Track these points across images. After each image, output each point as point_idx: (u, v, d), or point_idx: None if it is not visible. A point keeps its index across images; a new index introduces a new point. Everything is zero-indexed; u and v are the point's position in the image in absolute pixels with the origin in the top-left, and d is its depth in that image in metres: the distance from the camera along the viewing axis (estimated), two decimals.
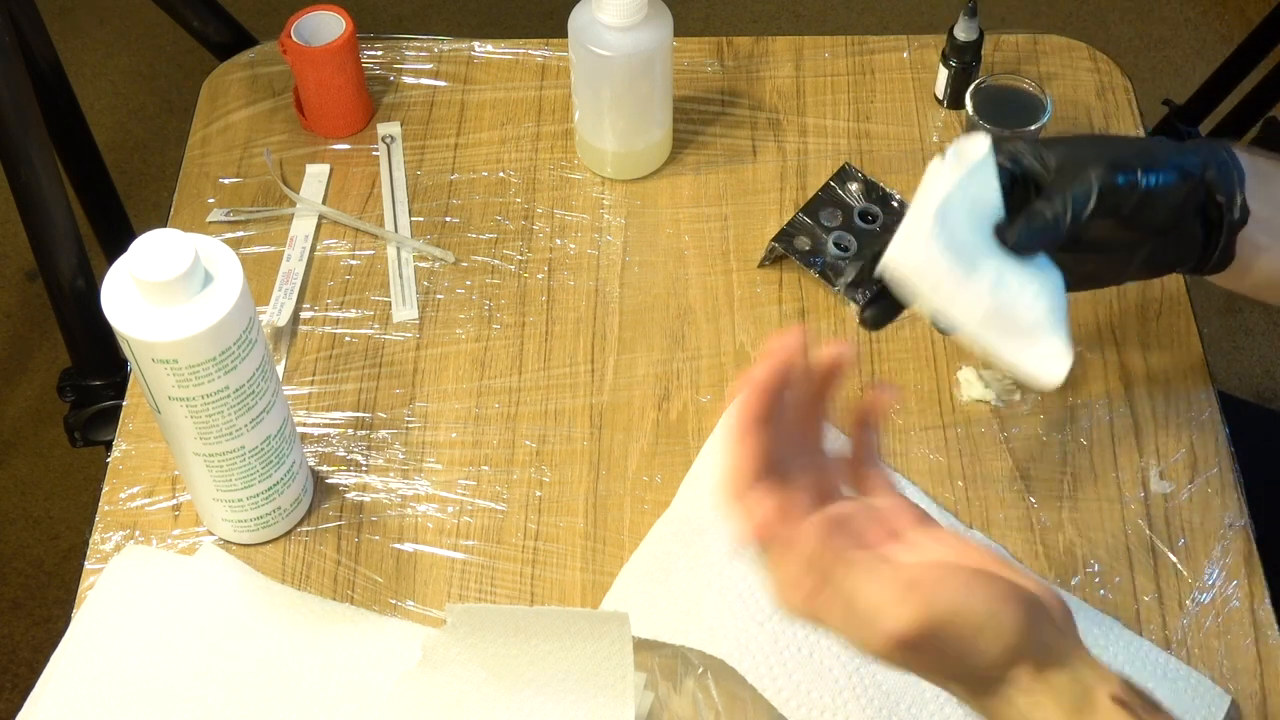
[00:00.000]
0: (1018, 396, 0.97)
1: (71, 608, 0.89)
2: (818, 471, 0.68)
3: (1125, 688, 0.63)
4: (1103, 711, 0.62)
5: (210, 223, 1.08)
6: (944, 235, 0.71)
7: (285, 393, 0.95)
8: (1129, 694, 0.63)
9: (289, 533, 0.92)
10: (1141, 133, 1.13)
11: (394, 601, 0.89)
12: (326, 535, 0.92)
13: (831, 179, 1.08)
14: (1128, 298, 1.02)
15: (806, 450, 0.69)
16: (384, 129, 1.14)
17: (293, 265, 1.05)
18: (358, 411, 0.98)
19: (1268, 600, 0.88)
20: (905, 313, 0.78)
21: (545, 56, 1.19)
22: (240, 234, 1.07)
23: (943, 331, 0.76)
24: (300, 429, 0.96)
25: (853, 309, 1.02)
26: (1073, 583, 0.89)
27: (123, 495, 0.94)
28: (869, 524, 0.67)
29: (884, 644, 0.62)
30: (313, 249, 1.06)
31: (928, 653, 0.62)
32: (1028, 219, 0.73)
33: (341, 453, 0.96)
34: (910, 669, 0.64)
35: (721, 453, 0.65)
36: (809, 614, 0.65)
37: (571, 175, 1.11)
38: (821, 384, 0.68)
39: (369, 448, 0.96)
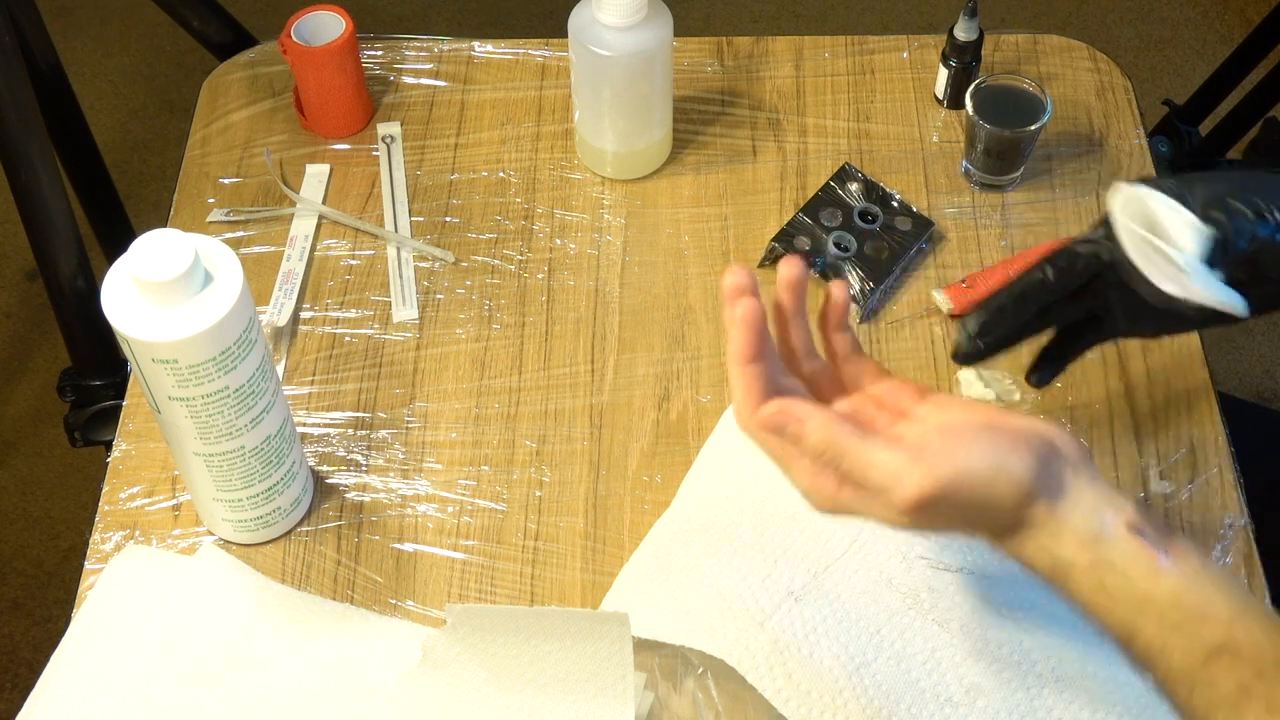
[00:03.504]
0: (1017, 396, 0.97)
1: (71, 608, 0.89)
2: (811, 384, 0.74)
3: (1140, 515, 0.67)
4: (1119, 541, 0.66)
5: (210, 223, 1.08)
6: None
7: (285, 393, 0.95)
8: (1144, 522, 0.67)
9: (289, 533, 0.92)
10: (1141, 133, 1.13)
11: (394, 601, 0.89)
12: (326, 535, 0.92)
13: (831, 179, 1.08)
14: None
15: (795, 368, 0.74)
16: (384, 129, 1.14)
17: (293, 265, 1.05)
18: (358, 411, 0.98)
19: (1268, 600, 0.88)
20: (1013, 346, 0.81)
21: (545, 56, 1.19)
22: (240, 234, 1.07)
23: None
24: (300, 429, 0.96)
25: (853, 308, 1.02)
26: None
27: (123, 495, 0.94)
28: (875, 412, 0.71)
29: (903, 511, 0.65)
30: (313, 249, 1.06)
31: (946, 511, 0.66)
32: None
33: (341, 453, 0.96)
34: (935, 529, 0.69)
35: (732, 384, 0.71)
36: (837, 507, 0.69)
37: (571, 175, 1.11)
38: (786, 309, 0.72)
39: (369, 448, 0.96)
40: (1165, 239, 0.72)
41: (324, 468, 0.95)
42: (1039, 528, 0.67)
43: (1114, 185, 0.74)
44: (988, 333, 0.79)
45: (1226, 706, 0.64)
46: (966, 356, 0.80)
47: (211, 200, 1.09)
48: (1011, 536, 0.68)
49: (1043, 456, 0.67)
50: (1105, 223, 0.76)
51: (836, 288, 0.74)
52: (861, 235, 1.04)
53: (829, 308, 0.74)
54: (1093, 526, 0.66)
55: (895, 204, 1.06)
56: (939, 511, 0.66)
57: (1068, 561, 0.67)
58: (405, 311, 1.03)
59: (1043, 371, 0.86)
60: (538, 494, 0.94)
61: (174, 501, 0.93)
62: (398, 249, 1.06)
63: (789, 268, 0.71)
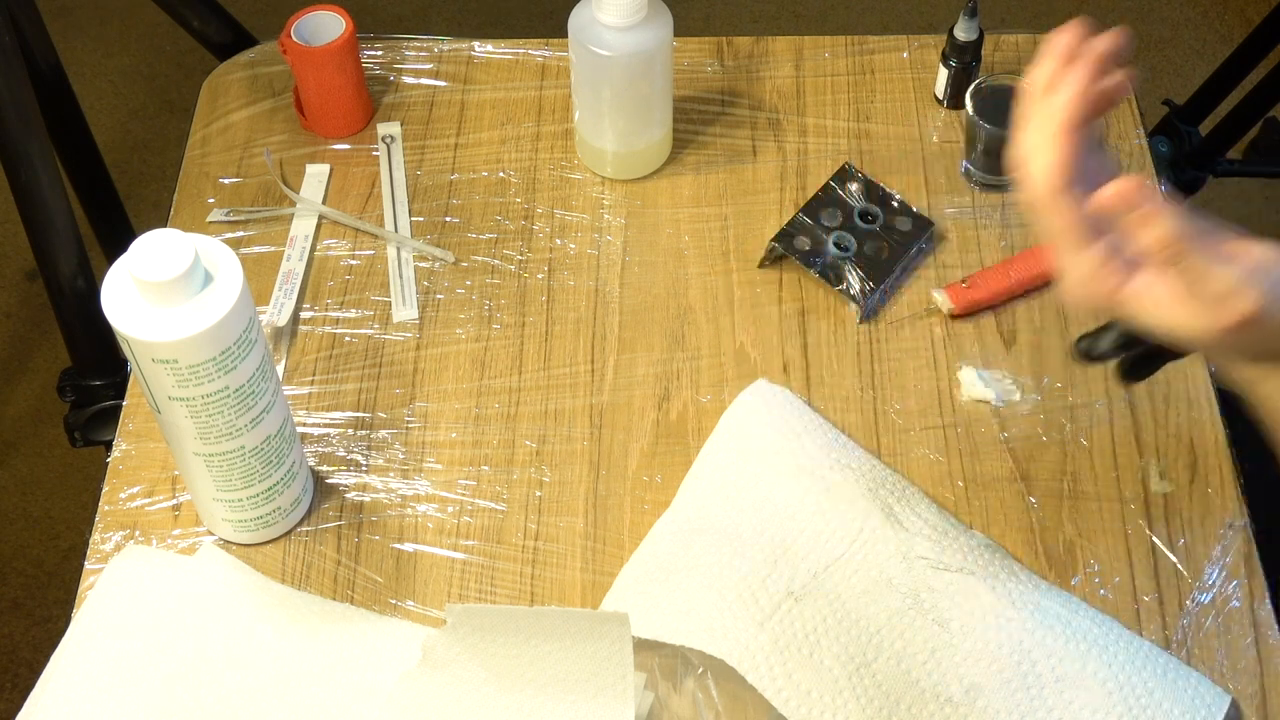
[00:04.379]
0: (1017, 396, 0.97)
1: (71, 608, 0.89)
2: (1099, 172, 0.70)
3: None
4: None
5: (210, 223, 1.08)
6: None
7: (285, 393, 0.95)
8: None
9: (289, 533, 0.92)
10: (1141, 133, 1.13)
11: (394, 601, 0.89)
12: (326, 535, 0.92)
13: (831, 179, 1.08)
14: None
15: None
16: (384, 129, 1.14)
17: (293, 265, 1.05)
18: (358, 411, 0.98)
19: (1268, 600, 0.88)
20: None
21: (545, 56, 1.19)
22: (240, 234, 1.07)
23: None
24: (300, 429, 0.96)
25: (853, 308, 1.02)
26: (1073, 583, 0.89)
27: (123, 495, 0.94)
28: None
29: (1226, 327, 0.65)
30: (313, 249, 1.07)
31: (1256, 330, 0.66)
32: None
33: (341, 453, 0.96)
34: (1233, 349, 0.70)
35: (1033, 150, 0.69)
36: (1106, 305, 0.68)
37: (571, 175, 1.11)
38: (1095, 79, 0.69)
39: (369, 448, 0.96)
40: None
41: (324, 468, 0.95)
42: None
43: None
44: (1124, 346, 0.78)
45: None
46: (1136, 374, 0.81)
47: (211, 200, 1.10)
48: (1273, 360, 0.69)
49: None
50: None
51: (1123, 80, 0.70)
52: (861, 235, 1.04)
53: (1107, 92, 0.70)
54: None
55: (895, 204, 1.06)
56: (1252, 329, 0.65)
57: None
58: (405, 311, 1.03)
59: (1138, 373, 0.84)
60: (538, 494, 0.94)
61: (174, 501, 0.93)
62: (398, 249, 1.07)
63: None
